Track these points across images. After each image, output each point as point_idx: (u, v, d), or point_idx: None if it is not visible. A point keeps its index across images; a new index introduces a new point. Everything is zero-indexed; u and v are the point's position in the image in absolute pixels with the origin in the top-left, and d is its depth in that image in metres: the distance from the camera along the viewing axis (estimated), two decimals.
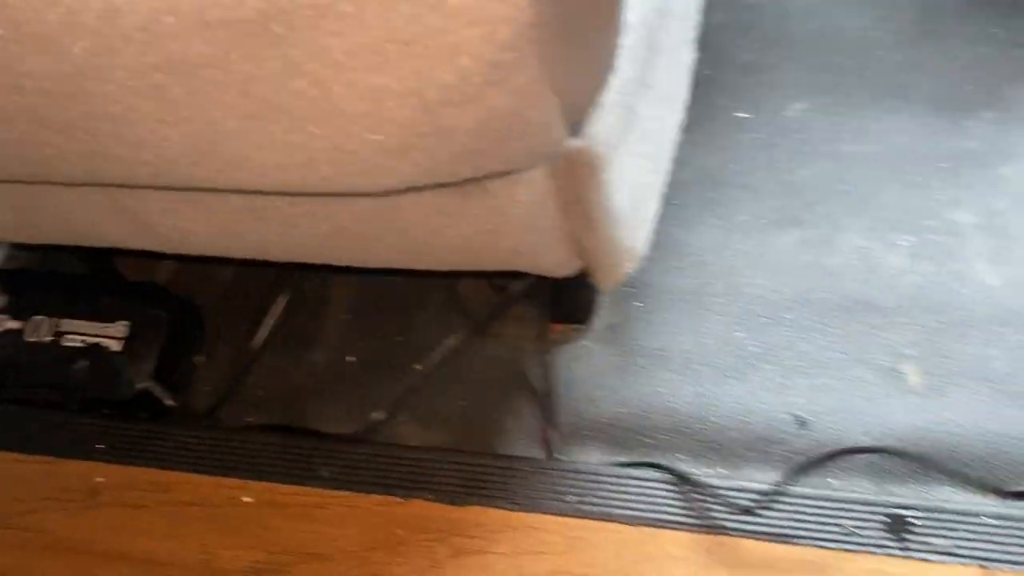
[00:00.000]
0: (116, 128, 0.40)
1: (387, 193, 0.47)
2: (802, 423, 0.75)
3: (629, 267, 0.66)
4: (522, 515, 0.72)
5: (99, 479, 0.81)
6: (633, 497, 0.72)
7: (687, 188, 0.87)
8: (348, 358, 0.87)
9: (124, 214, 0.57)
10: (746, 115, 0.91)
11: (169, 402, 0.85)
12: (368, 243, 0.57)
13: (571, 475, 0.74)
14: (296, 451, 0.80)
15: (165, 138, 0.41)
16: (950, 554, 0.66)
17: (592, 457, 0.76)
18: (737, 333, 0.80)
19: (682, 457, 0.75)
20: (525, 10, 0.34)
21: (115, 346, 0.85)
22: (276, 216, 0.53)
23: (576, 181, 0.54)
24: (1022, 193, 0.82)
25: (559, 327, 0.84)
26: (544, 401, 0.79)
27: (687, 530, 0.68)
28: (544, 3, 0.35)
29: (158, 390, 0.85)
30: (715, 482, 0.72)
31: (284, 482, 0.77)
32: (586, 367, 0.81)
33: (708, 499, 0.70)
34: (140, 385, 0.84)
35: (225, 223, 0.55)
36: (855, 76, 0.91)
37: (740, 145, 0.89)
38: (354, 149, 0.41)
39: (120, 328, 0.86)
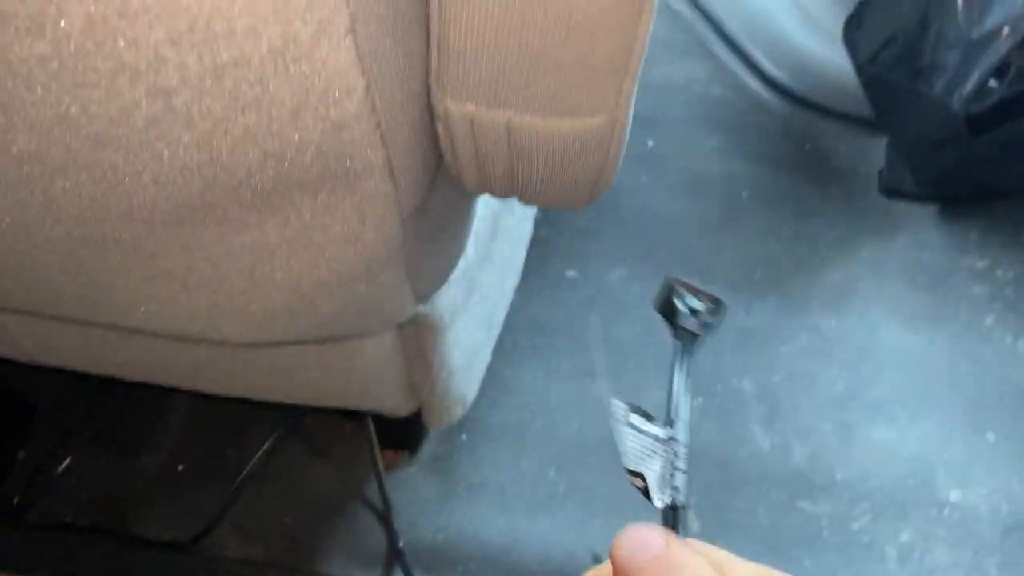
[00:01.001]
0: (18, 271, 0.45)
1: (252, 345, 0.53)
2: (597, 560, 0.84)
3: (459, 412, 0.74)
4: None
5: None
6: None
7: (518, 334, 0.97)
8: (178, 466, 0.89)
9: None
10: (575, 274, 1.03)
11: None
12: (223, 377, 0.62)
13: None
14: (115, 555, 0.81)
15: (61, 284, 0.46)
16: None
17: None
18: (549, 472, 0.89)
19: None
20: (396, 237, 0.42)
21: None
22: (142, 347, 0.58)
23: (420, 340, 0.62)
24: (794, 371, 0.96)
25: (389, 453, 0.90)
26: (377, 522, 0.85)
27: None
28: (410, 230, 0.43)
29: None
30: None
31: None
32: (410, 493, 0.88)
33: None
34: None
35: (90, 347, 0.59)
36: (668, 251, 1.05)
37: (567, 300, 1.01)
38: (231, 314, 0.47)
39: None
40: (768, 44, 1.18)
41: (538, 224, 1.04)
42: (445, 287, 0.61)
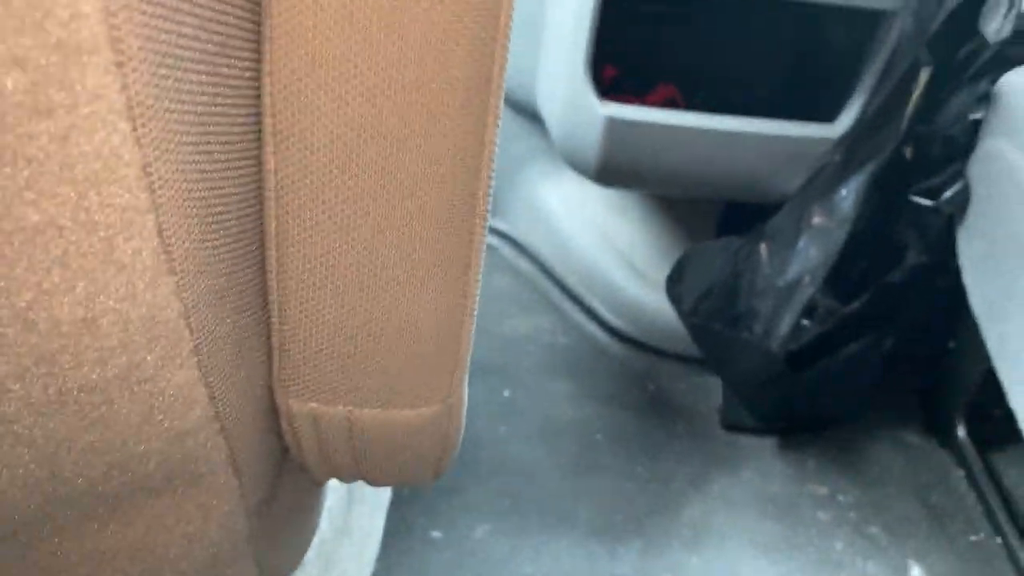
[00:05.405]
0: None
1: None
2: None
3: None
4: None
5: None
6: None
7: None
8: None
9: None
10: (439, 534, 1.02)
11: None
12: None
13: None
14: None
15: None
16: None
17: None
18: None
19: None
20: (243, 530, 0.42)
21: None
22: None
23: None
24: None
25: None
26: None
27: None
28: (257, 520, 0.43)
29: None
30: None
31: None
32: None
33: None
34: None
35: None
36: (531, 502, 1.06)
37: (430, 565, 0.99)
38: None
39: None
40: (604, 296, 1.28)
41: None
42: (299, 568, 0.60)
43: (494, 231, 1.40)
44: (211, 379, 0.34)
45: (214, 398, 0.34)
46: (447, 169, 0.32)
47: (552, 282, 1.33)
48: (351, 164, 0.31)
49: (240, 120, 0.30)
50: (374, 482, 0.43)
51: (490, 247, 1.40)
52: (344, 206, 0.32)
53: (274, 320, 0.35)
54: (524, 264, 1.38)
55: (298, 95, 0.30)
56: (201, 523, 0.41)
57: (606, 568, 1.00)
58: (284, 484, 0.45)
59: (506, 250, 1.40)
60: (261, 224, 0.33)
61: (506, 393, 1.19)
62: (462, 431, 0.42)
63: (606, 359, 1.25)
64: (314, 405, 0.38)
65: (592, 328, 1.28)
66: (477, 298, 0.36)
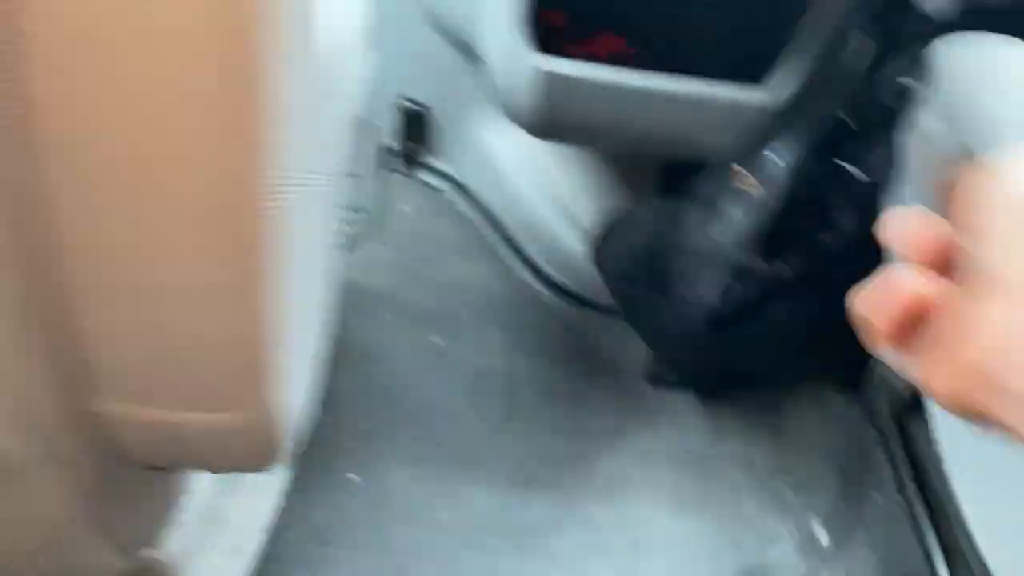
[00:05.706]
0: None
1: None
2: None
3: None
4: None
5: None
6: None
7: (292, 545, 0.96)
8: None
9: None
10: (357, 477, 1.04)
11: None
12: None
13: None
14: None
15: None
16: None
17: None
18: None
19: None
20: (77, 512, 0.43)
21: None
22: None
23: None
24: (570, 566, 1.00)
25: None
26: None
27: None
28: (96, 499, 0.44)
29: None
30: None
31: None
32: None
33: None
34: None
35: None
36: (450, 448, 1.08)
37: (347, 506, 1.01)
38: None
39: None
40: (542, 245, 1.28)
41: (321, 426, 1.05)
42: (175, 527, 0.62)
43: (436, 172, 1.39)
44: (5, 399, 0.34)
45: (13, 412, 0.35)
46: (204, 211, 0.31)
47: (492, 227, 1.33)
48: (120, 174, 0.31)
49: None
50: (202, 471, 0.44)
51: (432, 189, 1.39)
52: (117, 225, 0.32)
53: (75, 334, 0.36)
54: (464, 207, 1.37)
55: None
56: (26, 514, 0.42)
57: (520, 517, 1.03)
58: (120, 469, 0.46)
59: (448, 192, 1.39)
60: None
61: (437, 340, 1.20)
62: (289, 435, 0.42)
63: (540, 310, 1.26)
64: (125, 407, 0.39)
65: (529, 277, 1.29)
66: (286, 314, 0.36)
